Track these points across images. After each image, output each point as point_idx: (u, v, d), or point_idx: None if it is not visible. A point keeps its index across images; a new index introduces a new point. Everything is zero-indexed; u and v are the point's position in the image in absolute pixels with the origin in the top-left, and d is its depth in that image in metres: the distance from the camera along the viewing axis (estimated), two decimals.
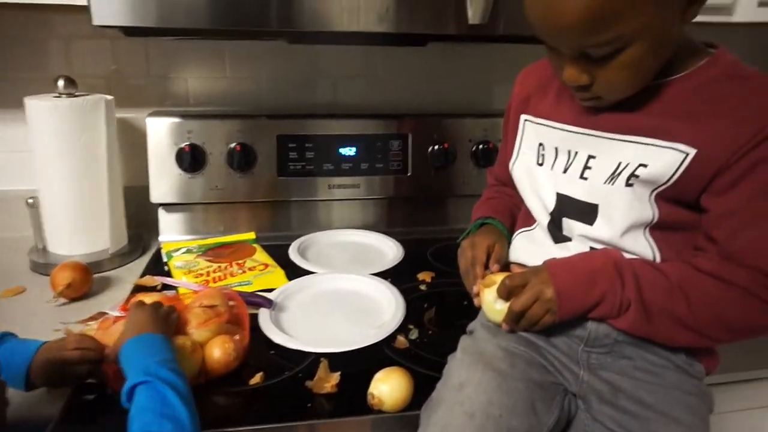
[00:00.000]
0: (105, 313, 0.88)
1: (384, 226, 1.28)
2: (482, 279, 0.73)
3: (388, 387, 0.70)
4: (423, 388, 0.72)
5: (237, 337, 0.81)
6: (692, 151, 0.60)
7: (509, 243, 0.82)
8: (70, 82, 1.08)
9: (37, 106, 1.05)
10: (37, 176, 1.09)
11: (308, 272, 1.06)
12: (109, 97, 1.11)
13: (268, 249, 1.16)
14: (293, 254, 1.13)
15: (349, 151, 1.23)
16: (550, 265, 0.67)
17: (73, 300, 0.97)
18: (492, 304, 0.70)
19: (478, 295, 0.74)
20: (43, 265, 1.09)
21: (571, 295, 0.65)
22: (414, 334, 0.88)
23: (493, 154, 1.25)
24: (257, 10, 0.89)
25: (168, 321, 0.74)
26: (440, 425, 0.63)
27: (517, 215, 0.85)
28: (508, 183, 0.85)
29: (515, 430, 0.62)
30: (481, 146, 1.25)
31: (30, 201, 1.11)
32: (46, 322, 0.89)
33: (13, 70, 1.21)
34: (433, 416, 0.65)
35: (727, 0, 1.03)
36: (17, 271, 1.10)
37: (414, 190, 1.27)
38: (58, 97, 1.06)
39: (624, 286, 0.63)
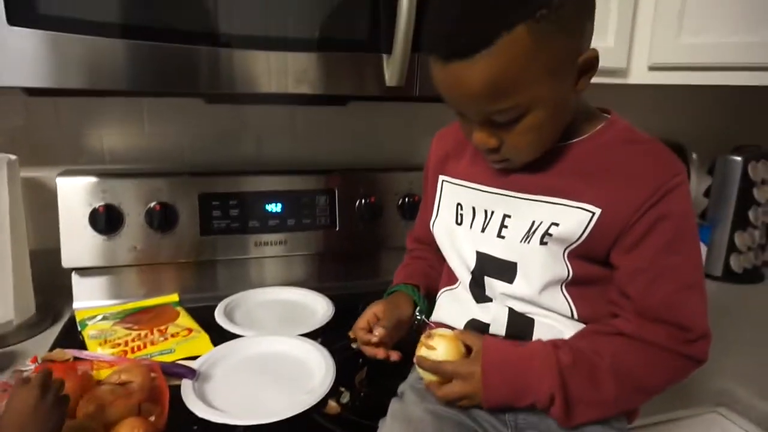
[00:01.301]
0: None
1: (314, 281, 1.26)
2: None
3: None
4: None
5: (152, 418, 0.76)
6: (597, 211, 0.64)
7: (429, 302, 0.86)
8: None
9: None
10: None
11: (235, 335, 1.02)
12: (13, 157, 1.04)
13: (192, 311, 1.11)
14: (219, 317, 1.09)
15: (275, 207, 1.22)
16: (485, 363, 0.67)
17: None
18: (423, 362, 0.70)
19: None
20: None
21: (499, 396, 0.66)
22: (345, 398, 0.86)
23: (418, 207, 1.27)
24: (177, 72, 0.87)
25: (56, 409, 0.64)
26: None
27: (433, 276, 0.87)
28: (429, 243, 0.87)
29: None
30: (407, 199, 1.28)
31: None
32: None
33: None
34: None
35: (622, 65, 1.12)
36: None
37: (343, 244, 1.27)
38: None
39: (553, 385, 0.64)
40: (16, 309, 1.04)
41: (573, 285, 0.68)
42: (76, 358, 0.94)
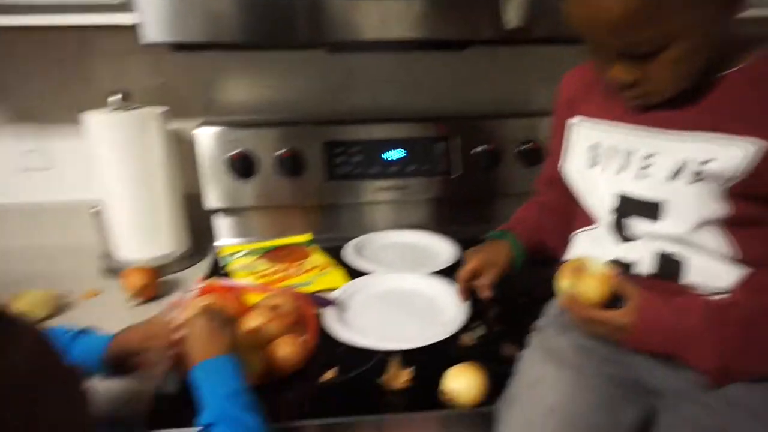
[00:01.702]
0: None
1: (433, 226, 1.30)
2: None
3: (461, 383, 0.72)
4: (495, 384, 0.74)
5: (302, 337, 0.84)
6: (762, 144, 0.60)
7: (523, 255, 0.91)
8: (125, 96, 1.11)
9: (95, 120, 1.09)
10: (98, 187, 1.14)
11: (365, 273, 1.09)
12: (162, 109, 1.15)
13: (323, 250, 1.19)
14: (349, 255, 1.16)
15: (394, 154, 1.26)
16: (639, 322, 0.65)
17: (145, 301, 1.02)
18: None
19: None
20: (111, 270, 1.14)
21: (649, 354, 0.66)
22: (480, 332, 0.90)
23: (537, 154, 1.27)
24: (294, 25, 0.92)
25: (228, 330, 0.73)
26: (520, 422, 0.64)
27: (544, 223, 0.91)
28: (558, 186, 0.85)
29: (594, 428, 0.63)
30: (525, 146, 1.27)
31: (93, 210, 1.15)
32: (124, 321, 0.93)
33: (69, 87, 1.26)
34: (511, 413, 0.66)
35: None
36: (87, 275, 1.15)
37: (460, 190, 1.29)
38: (114, 111, 1.10)
39: (712, 356, 0.62)
40: (172, 244, 1.17)
41: (736, 225, 0.64)
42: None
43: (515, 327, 0.89)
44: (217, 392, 0.64)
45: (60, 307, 1.01)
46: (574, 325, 0.72)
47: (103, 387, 0.74)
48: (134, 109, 1.11)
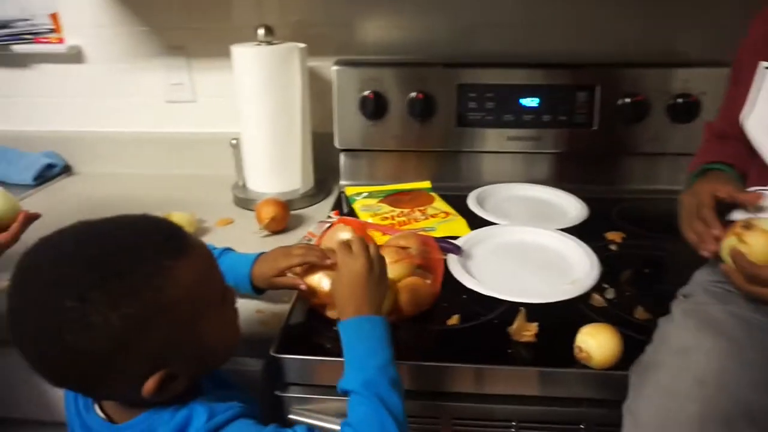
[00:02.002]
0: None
1: (563, 182, 1.22)
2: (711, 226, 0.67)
3: (596, 342, 0.68)
4: (628, 348, 0.69)
5: (428, 281, 0.83)
6: None
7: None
8: (269, 30, 1.14)
9: (242, 53, 1.13)
10: (239, 119, 1.19)
11: (489, 223, 1.05)
12: (303, 45, 1.16)
13: (444, 198, 1.17)
14: (472, 204, 1.13)
15: (531, 101, 1.19)
16: None
17: (275, 233, 1.07)
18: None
19: (707, 246, 0.67)
20: (243, 200, 1.20)
21: None
22: (610, 294, 0.84)
23: (692, 108, 1.14)
24: None
25: (386, 287, 0.71)
26: (662, 389, 0.60)
27: (746, 165, 0.76)
28: (733, 138, 0.76)
29: (751, 406, 0.57)
30: (680, 99, 1.14)
31: (233, 142, 1.21)
32: (254, 250, 0.98)
33: (214, 24, 1.31)
34: (652, 379, 0.62)
35: None
36: (222, 204, 1.22)
37: (599, 145, 1.20)
38: (259, 44, 1.14)
39: None
40: (301, 180, 1.21)
41: None
42: None
43: (648, 292, 0.85)
44: (369, 362, 0.60)
45: (197, 232, 1.08)
46: (733, 293, 0.65)
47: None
48: (276, 44, 1.14)
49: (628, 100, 1.15)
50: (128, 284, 0.49)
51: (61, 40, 1.36)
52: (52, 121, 1.44)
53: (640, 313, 0.79)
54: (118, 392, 0.55)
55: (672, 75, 1.15)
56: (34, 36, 1.36)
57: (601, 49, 1.23)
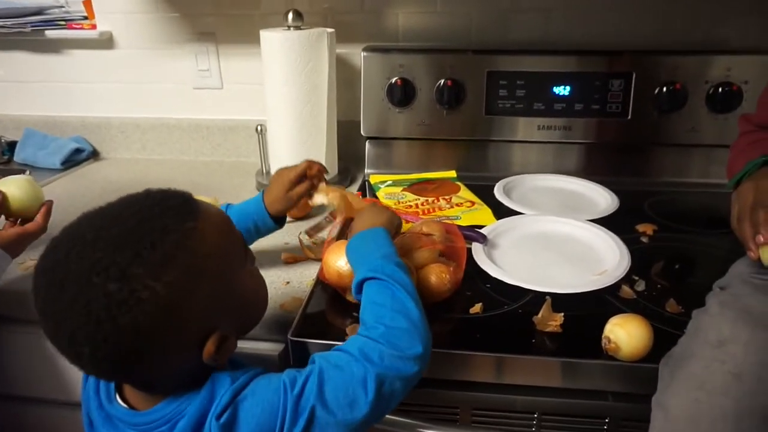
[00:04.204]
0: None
1: (593, 173, 1.18)
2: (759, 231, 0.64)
3: (626, 333, 0.66)
4: (659, 341, 0.66)
5: (451, 268, 0.81)
6: None
7: None
8: (298, 15, 1.13)
9: (271, 37, 1.12)
10: (264, 106, 1.19)
11: (515, 213, 1.03)
12: (331, 30, 1.15)
13: (470, 188, 1.15)
14: (499, 194, 1.10)
15: (562, 89, 1.16)
16: None
17: (297, 219, 1.06)
18: None
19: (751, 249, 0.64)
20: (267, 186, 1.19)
21: None
22: (640, 286, 0.81)
23: (733, 98, 1.09)
24: None
25: (397, 222, 0.77)
26: (695, 382, 0.57)
27: None
28: None
29: None
30: (721, 88, 1.09)
31: (259, 128, 1.21)
32: (277, 236, 0.98)
33: (242, 11, 1.31)
34: (684, 371, 0.59)
35: None
36: (246, 190, 1.22)
37: (633, 135, 1.16)
38: (287, 29, 1.13)
39: None
40: (326, 166, 1.19)
41: None
42: None
43: (680, 285, 0.82)
44: (373, 253, 0.66)
45: None
46: None
47: None
48: (305, 29, 1.13)
49: (665, 88, 1.11)
50: (161, 253, 0.49)
51: (93, 26, 1.38)
52: (82, 106, 1.47)
53: (671, 306, 0.76)
54: (174, 366, 0.54)
55: (712, 62, 1.10)
56: (68, 22, 1.39)
57: (638, 35, 1.19)
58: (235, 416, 0.52)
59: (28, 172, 1.20)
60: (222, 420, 0.52)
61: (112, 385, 0.60)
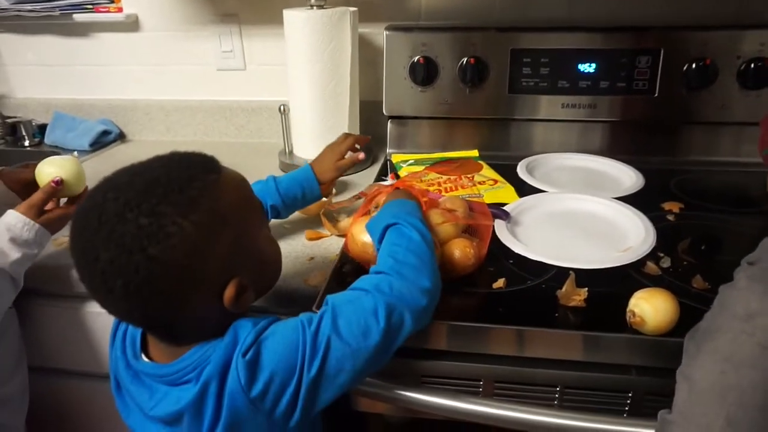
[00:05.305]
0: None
1: (618, 152, 1.16)
2: None
3: (651, 306, 0.65)
4: (684, 316, 0.66)
5: (475, 243, 0.81)
6: None
7: None
8: None
9: (294, 16, 1.13)
10: (287, 86, 1.20)
11: (539, 191, 1.02)
12: (354, 9, 1.15)
13: (493, 167, 1.14)
14: (522, 173, 1.09)
15: (588, 67, 1.14)
16: None
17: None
18: None
19: None
20: (290, 166, 1.20)
21: None
22: (666, 263, 0.80)
23: (767, 74, 1.06)
24: None
25: (421, 204, 0.79)
26: (721, 354, 0.56)
27: None
28: None
29: None
30: (753, 64, 1.06)
31: (281, 108, 1.22)
32: (299, 215, 0.99)
33: None
34: (710, 344, 0.58)
35: None
36: (268, 170, 1.20)
37: (660, 113, 1.14)
38: (311, 8, 1.13)
39: None
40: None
41: None
42: None
43: (707, 262, 0.81)
44: (396, 210, 0.71)
45: None
46: None
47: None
48: (328, 8, 1.13)
49: (694, 64, 1.09)
50: (189, 196, 0.54)
51: (119, 9, 1.40)
52: (109, 88, 1.49)
53: (698, 282, 0.75)
54: (199, 309, 0.57)
55: (744, 37, 1.07)
56: (95, 5, 1.41)
57: (666, 10, 1.17)
58: (259, 354, 0.56)
59: (75, 154, 1.23)
60: (248, 357, 0.55)
61: (138, 341, 0.63)
